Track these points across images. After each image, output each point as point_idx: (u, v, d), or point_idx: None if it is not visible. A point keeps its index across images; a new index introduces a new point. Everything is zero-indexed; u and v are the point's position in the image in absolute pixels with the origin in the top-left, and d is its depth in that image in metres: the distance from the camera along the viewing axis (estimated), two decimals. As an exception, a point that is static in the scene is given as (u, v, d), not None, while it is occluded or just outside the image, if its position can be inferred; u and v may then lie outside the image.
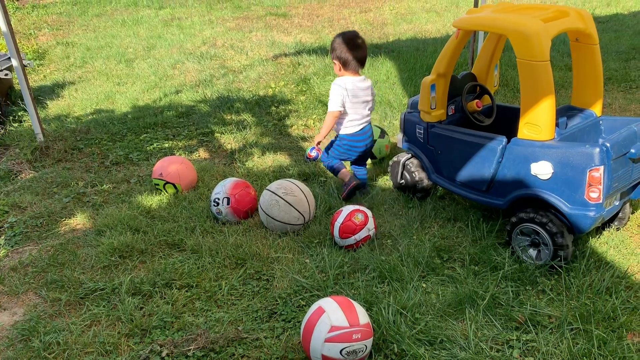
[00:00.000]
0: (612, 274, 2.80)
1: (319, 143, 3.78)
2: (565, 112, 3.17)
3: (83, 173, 4.38)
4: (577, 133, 3.02)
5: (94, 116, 5.52)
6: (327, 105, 5.18)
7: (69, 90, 6.34)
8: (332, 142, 3.86)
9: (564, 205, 2.80)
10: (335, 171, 3.81)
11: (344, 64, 3.57)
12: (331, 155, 3.83)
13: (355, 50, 3.52)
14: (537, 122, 2.83)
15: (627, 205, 3.21)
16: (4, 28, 4.34)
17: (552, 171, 2.80)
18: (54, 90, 6.38)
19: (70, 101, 6.00)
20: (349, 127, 3.68)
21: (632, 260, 2.96)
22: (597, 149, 2.65)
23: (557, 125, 2.92)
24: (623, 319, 2.51)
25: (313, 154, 3.74)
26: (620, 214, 3.19)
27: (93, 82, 6.60)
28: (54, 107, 5.88)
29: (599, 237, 3.15)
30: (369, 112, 3.73)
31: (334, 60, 3.63)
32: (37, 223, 3.67)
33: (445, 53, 3.23)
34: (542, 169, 2.83)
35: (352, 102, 3.60)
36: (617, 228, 3.21)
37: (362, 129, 3.70)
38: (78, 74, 6.97)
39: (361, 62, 3.60)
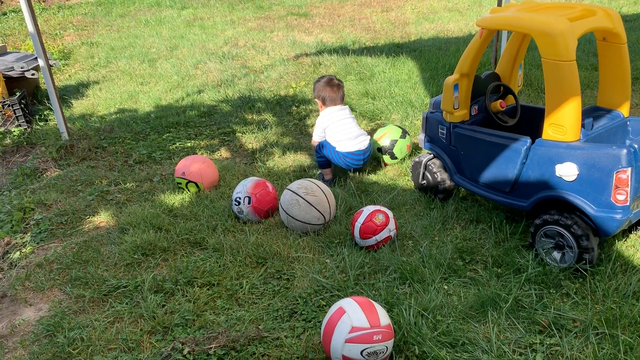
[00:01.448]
0: (639, 278, 2.74)
1: None
2: (591, 112, 3.12)
3: (107, 171, 4.44)
4: (603, 134, 2.96)
5: (118, 115, 5.59)
6: (347, 104, 5.25)
7: (93, 90, 6.43)
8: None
9: (589, 208, 2.75)
10: (322, 165, 4.13)
11: (323, 101, 4.11)
12: (330, 156, 4.04)
13: (330, 88, 4.08)
14: (563, 122, 2.79)
15: (655, 208, 3.14)
16: (31, 29, 4.42)
17: (578, 173, 2.75)
18: (78, 89, 6.49)
19: (94, 100, 6.09)
20: (345, 146, 4.00)
21: (660, 264, 2.90)
22: (625, 151, 2.59)
23: (582, 126, 2.87)
24: (650, 324, 2.46)
25: None
26: (647, 217, 3.12)
27: (117, 81, 6.69)
28: (79, 106, 5.97)
29: (625, 240, 3.09)
30: (358, 127, 4.11)
31: (315, 99, 4.18)
32: (62, 220, 3.73)
33: (468, 52, 3.20)
34: (567, 171, 2.79)
35: (337, 125, 4.03)
36: (644, 231, 3.14)
37: (360, 149, 4.02)
38: (102, 73, 7.07)
39: (340, 98, 4.12)
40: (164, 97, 6.04)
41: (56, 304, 2.93)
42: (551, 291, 2.78)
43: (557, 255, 2.92)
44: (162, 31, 8.95)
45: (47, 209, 3.90)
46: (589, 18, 2.85)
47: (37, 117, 5.53)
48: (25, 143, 5.04)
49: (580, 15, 2.87)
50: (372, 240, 3.18)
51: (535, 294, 2.73)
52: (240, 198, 3.53)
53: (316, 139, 4.17)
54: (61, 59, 7.65)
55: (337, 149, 4.01)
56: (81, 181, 4.27)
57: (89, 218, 3.76)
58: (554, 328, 2.52)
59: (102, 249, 3.37)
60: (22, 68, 5.52)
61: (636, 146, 2.60)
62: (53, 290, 3.06)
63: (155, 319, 2.73)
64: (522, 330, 2.55)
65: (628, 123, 3.12)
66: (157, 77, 6.75)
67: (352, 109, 5.35)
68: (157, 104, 5.83)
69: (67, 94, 6.32)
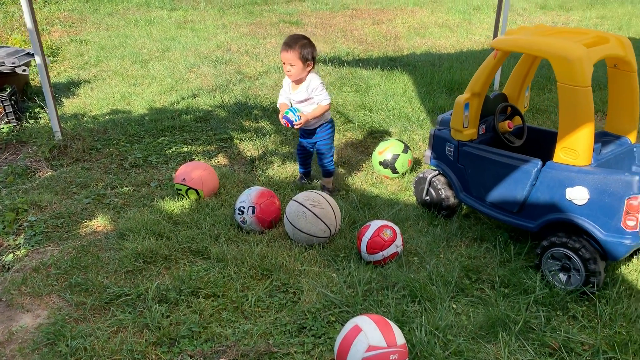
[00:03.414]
0: (644, 303, 2.79)
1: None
2: (600, 137, 3.17)
3: (102, 174, 4.33)
4: (612, 160, 3.01)
5: (111, 116, 5.48)
6: (344, 116, 5.23)
7: (84, 89, 6.30)
8: (324, 139, 3.97)
9: (598, 232, 2.78)
10: (332, 174, 4.07)
11: (314, 62, 3.79)
12: (329, 149, 4.00)
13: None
14: (575, 147, 2.82)
15: (657, 233, 3.20)
16: (30, 25, 4.31)
17: (589, 197, 2.79)
18: (69, 87, 6.34)
19: (86, 100, 5.96)
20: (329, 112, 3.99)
21: (663, 290, 2.95)
22: (637, 177, 2.64)
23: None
24: (659, 351, 2.49)
25: (293, 118, 3.72)
26: (649, 242, 3.17)
27: (108, 81, 6.57)
28: (70, 105, 5.84)
29: (628, 265, 3.14)
30: None
31: (309, 61, 3.73)
32: (57, 223, 3.62)
33: (481, 73, 3.22)
34: (577, 194, 2.82)
35: None
36: (645, 256, 3.20)
37: None
38: (93, 72, 6.93)
39: None
40: (158, 100, 5.95)
41: (55, 310, 2.84)
42: (558, 313, 2.80)
43: (563, 277, 2.95)
44: (152, 32, 8.84)
45: (41, 210, 3.79)
46: (603, 45, 2.91)
47: (27, 114, 5.38)
48: (14, 141, 4.89)
49: (594, 41, 2.91)
50: (379, 256, 3.16)
51: (543, 316, 2.75)
52: (244, 207, 3.48)
53: (329, 100, 3.84)
54: (49, 56, 7.47)
55: (331, 118, 3.96)
56: (76, 183, 4.16)
57: (85, 222, 3.66)
58: (563, 351, 2.54)
59: (101, 255, 3.28)
60: (13, 63, 5.38)
61: (648, 173, 2.65)
62: (51, 296, 2.96)
63: (160, 329, 2.66)
64: (532, 352, 2.56)
65: (634, 150, 3.17)
66: (149, 78, 6.65)
67: (349, 121, 5.37)
68: (151, 107, 5.73)
69: (57, 92, 6.17)
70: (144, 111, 5.62)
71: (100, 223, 3.65)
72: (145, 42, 8.23)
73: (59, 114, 5.44)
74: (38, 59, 4.43)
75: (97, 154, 4.69)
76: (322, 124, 3.93)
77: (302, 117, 3.74)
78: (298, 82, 3.81)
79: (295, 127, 3.75)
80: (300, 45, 3.68)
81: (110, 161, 4.57)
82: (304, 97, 3.80)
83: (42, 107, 5.43)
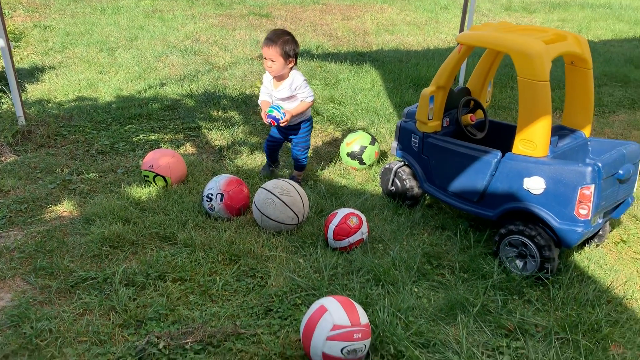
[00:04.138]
0: (594, 288, 2.94)
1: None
2: (556, 131, 3.31)
3: (68, 160, 4.29)
4: (567, 152, 3.16)
5: (77, 103, 5.41)
6: (313, 108, 5.30)
7: (49, 75, 6.19)
8: (303, 136, 3.99)
9: (553, 220, 2.92)
10: (304, 168, 4.12)
11: (296, 58, 3.74)
12: (307, 146, 4.05)
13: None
14: (533, 138, 2.95)
15: (607, 223, 3.37)
16: (-6, 6, 4.23)
17: (545, 187, 2.92)
18: (32, 73, 6.22)
19: (50, 86, 5.86)
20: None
21: (612, 276, 3.11)
22: (590, 168, 2.78)
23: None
24: (606, 331, 2.64)
25: (279, 116, 3.69)
26: (600, 232, 3.34)
27: (74, 68, 6.47)
28: (34, 91, 5.73)
29: (580, 252, 3.30)
30: None
31: (290, 58, 3.69)
32: (21, 208, 3.58)
33: (446, 66, 3.33)
34: (534, 184, 2.95)
35: None
36: (596, 245, 3.37)
37: None
38: (58, 59, 6.81)
39: None
40: (125, 88, 5.89)
41: (19, 293, 2.82)
42: (514, 297, 2.93)
43: (519, 263, 3.08)
44: (119, 20, 8.72)
45: (4, 195, 3.73)
46: (561, 42, 3.04)
47: (-12, 99, 5.27)
48: (-25, 125, 4.78)
49: (553, 39, 3.05)
50: (345, 242, 3.24)
51: (500, 300, 2.87)
52: (212, 194, 3.51)
53: (313, 97, 3.87)
54: (11, 40, 7.30)
55: (310, 115, 3.98)
56: (40, 168, 4.11)
57: (50, 207, 3.63)
58: (519, 332, 2.67)
59: (67, 239, 3.26)
60: (-26, 46, 5.24)
61: (600, 165, 2.80)
62: (15, 280, 2.93)
63: (127, 312, 2.68)
64: (489, 333, 2.67)
65: (589, 143, 3.33)
66: (117, 66, 6.57)
67: (318, 113, 5.44)
68: (118, 94, 5.68)
69: (21, 77, 6.04)
70: (110, 99, 5.57)
71: (65, 208, 3.62)
72: (112, 30, 8.12)
73: (23, 99, 5.35)
74: (1, 42, 4.34)
75: (62, 140, 4.63)
76: (302, 121, 3.95)
77: (287, 114, 3.71)
78: (279, 78, 3.78)
79: (281, 124, 3.73)
80: (283, 41, 3.62)
81: (76, 147, 4.52)
82: (287, 94, 3.78)
83: (4, 92, 5.32)
